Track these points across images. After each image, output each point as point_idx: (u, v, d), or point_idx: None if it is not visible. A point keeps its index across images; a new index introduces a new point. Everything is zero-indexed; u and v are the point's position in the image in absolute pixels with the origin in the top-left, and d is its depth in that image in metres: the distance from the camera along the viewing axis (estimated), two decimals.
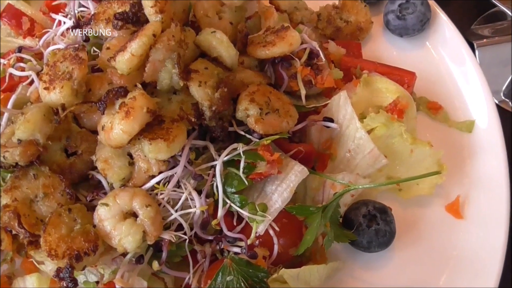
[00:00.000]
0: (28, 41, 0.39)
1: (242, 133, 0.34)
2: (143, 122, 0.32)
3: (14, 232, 0.34)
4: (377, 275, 0.36)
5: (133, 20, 0.35)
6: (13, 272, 0.36)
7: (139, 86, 0.33)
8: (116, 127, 0.31)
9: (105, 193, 0.34)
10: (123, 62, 0.32)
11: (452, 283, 0.36)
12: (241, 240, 0.33)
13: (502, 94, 0.43)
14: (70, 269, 0.31)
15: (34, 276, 0.34)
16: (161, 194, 0.32)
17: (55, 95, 0.33)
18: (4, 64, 0.38)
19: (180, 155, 0.32)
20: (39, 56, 0.40)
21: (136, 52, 0.32)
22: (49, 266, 0.34)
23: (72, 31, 0.38)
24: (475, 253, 0.36)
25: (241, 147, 0.32)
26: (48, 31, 0.39)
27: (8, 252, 0.35)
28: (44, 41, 0.39)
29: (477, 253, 0.36)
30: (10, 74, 0.36)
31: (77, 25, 0.38)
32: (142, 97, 0.31)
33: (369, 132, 0.36)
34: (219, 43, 0.34)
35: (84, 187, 0.35)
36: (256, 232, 0.32)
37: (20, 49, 0.39)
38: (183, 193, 0.32)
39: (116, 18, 0.35)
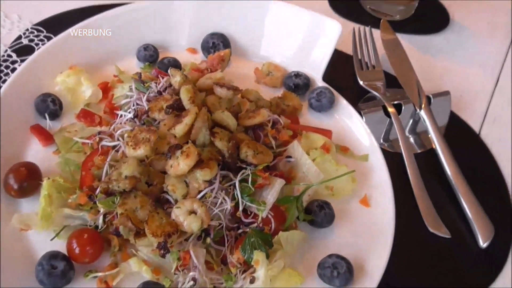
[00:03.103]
0: (102, 128, 0.64)
1: (244, 165, 0.60)
2: (195, 160, 0.57)
3: (120, 232, 0.56)
4: (326, 243, 0.61)
5: (178, 108, 0.61)
6: (117, 261, 0.57)
7: (190, 142, 0.58)
8: (181, 163, 0.57)
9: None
10: (180, 129, 0.58)
11: (369, 244, 0.62)
12: (253, 223, 0.57)
13: (381, 139, 0.73)
14: (165, 243, 0.54)
15: (133, 259, 0.56)
16: (207, 200, 0.57)
17: (141, 152, 0.58)
18: (91, 143, 0.62)
19: (215, 178, 0.58)
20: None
21: (188, 123, 0.58)
22: (144, 250, 0.56)
23: (135, 119, 0.63)
24: (378, 225, 0.63)
25: (249, 170, 0.58)
26: (114, 121, 0.64)
27: (115, 247, 0.57)
28: (113, 127, 0.64)
29: (379, 224, 0.63)
30: (102, 146, 0.60)
31: (136, 115, 0.63)
32: (193, 147, 0.57)
33: (312, 161, 0.63)
34: (227, 117, 0.61)
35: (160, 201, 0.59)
36: (261, 217, 0.57)
37: (99, 132, 0.63)
38: (219, 198, 0.57)
39: (168, 107, 0.61)
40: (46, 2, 0.81)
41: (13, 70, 0.73)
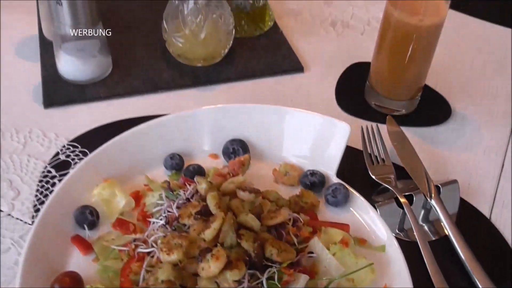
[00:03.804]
0: (137, 236, 0.69)
1: (270, 263, 0.65)
2: (224, 262, 0.62)
3: None
4: None
5: (205, 214, 0.67)
6: None
7: (219, 245, 0.63)
8: (211, 266, 0.61)
9: None
10: (209, 234, 0.63)
11: None
12: None
13: (396, 230, 0.77)
14: None
15: None
16: None
17: (174, 257, 0.63)
18: (127, 250, 0.67)
19: (244, 278, 0.62)
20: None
21: (216, 228, 0.63)
22: None
23: (166, 225, 0.68)
24: None
25: (275, 268, 0.63)
26: (147, 228, 0.70)
27: None
28: (147, 234, 0.69)
29: None
30: (138, 253, 0.65)
31: (167, 222, 0.69)
32: (222, 250, 0.62)
33: (332, 255, 0.67)
34: (251, 220, 0.66)
35: None
36: None
37: (134, 239, 0.68)
38: None
39: (196, 213, 0.66)
40: (79, 120, 0.89)
41: (53, 184, 0.80)
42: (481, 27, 1.17)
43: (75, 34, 0.90)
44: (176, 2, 0.96)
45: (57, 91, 0.94)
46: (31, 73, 0.99)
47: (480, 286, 0.69)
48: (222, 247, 0.63)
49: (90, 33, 0.91)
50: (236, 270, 0.61)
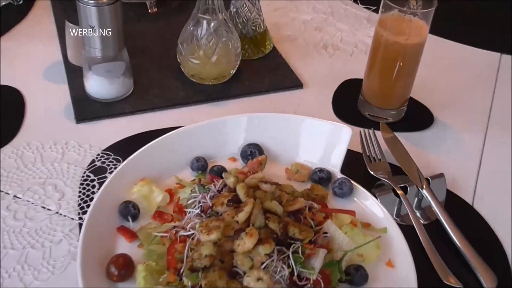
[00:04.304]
0: (175, 224, 0.80)
1: (293, 241, 0.76)
2: (257, 238, 0.73)
3: None
4: None
5: (236, 201, 0.79)
6: None
7: (251, 225, 0.75)
8: (247, 242, 0.72)
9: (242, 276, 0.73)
10: (243, 216, 0.75)
11: None
12: (306, 285, 0.72)
13: (394, 215, 0.89)
14: None
15: None
16: (269, 269, 0.72)
17: (214, 236, 0.74)
18: (169, 236, 0.78)
19: (273, 252, 0.74)
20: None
21: (248, 211, 0.75)
22: None
23: (201, 213, 0.80)
24: (403, 281, 0.78)
25: (299, 243, 0.75)
26: (184, 217, 0.81)
27: None
28: (184, 221, 0.80)
29: (403, 280, 0.77)
30: (177, 233, 0.76)
31: (202, 210, 0.80)
32: (254, 229, 0.74)
33: (344, 234, 0.79)
34: (275, 206, 0.78)
35: (232, 274, 0.74)
36: (312, 280, 0.72)
37: (174, 227, 0.80)
38: (278, 267, 0.72)
39: (229, 201, 0.78)
40: (108, 133, 1.00)
41: (93, 186, 0.91)
42: (457, 49, 1.33)
43: (104, 57, 1.02)
44: (191, 28, 1.09)
45: (86, 108, 1.06)
46: (60, 94, 1.10)
47: (468, 257, 0.82)
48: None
49: (117, 57, 1.03)
50: (267, 245, 0.73)
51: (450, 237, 0.85)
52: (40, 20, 1.33)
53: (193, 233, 0.76)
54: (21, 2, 1.37)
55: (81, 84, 1.09)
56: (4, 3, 1.35)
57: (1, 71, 1.15)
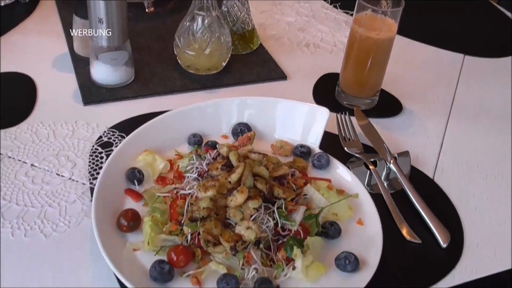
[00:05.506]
0: (176, 186, 0.92)
1: (277, 200, 0.89)
2: (247, 195, 0.85)
3: (201, 246, 0.83)
4: (337, 248, 0.89)
5: (229, 166, 0.91)
6: (200, 266, 0.83)
7: (242, 185, 0.88)
8: (238, 198, 0.84)
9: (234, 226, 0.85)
10: (235, 176, 0.86)
11: (366, 248, 0.90)
12: (288, 234, 0.85)
13: (365, 185, 1.03)
14: (235, 246, 0.81)
15: (212, 262, 0.82)
16: (257, 220, 0.85)
17: (210, 193, 0.86)
18: (170, 196, 0.90)
19: (261, 207, 0.86)
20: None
21: (240, 172, 0.87)
22: (219, 256, 0.82)
23: (198, 177, 0.92)
24: (371, 236, 0.91)
25: (282, 201, 0.87)
26: (183, 181, 0.93)
27: (198, 256, 0.83)
28: (183, 184, 0.93)
29: (371, 236, 0.91)
30: (178, 192, 0.89)
31: (199, 174, 0.93)
32: (244, 187, 0.87)
33: (322, 195, 0.92)
34: (262, 170, 0.91)
35: (225, 225, 0.86)
36: (293, 230, 0.85)
37: (175, 188, 0.92)
38: (264, 219, 0.85)
39: (223, 165, 0.91)
40: (113, 114, 1.12)
41: (101, 157, 1.03)
42: (425, 50, 1.48)
43: (110, 47, 1.14)
44: (187, 23, 1.22)
45: (93, 93, 1.18)
46: (68, 81, 1.22)
47: (427, 218, 0.95)
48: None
49: (121, 46, 1.15)
50: (256, 200, 0.86)
51: (412, 203, 0.98)
52: (46, 16, 1.45)
53: (192, 192, 0.89)
54: (27, 0, 1.49)
55: (87, 72, 1.21)
56: (8, 2, 1.47)
57: (13, 60, 1.26)
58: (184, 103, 1.16)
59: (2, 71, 1.23)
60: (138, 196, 0.93)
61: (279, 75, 1.30)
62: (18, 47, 1.32)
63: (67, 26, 1.36)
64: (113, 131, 1.09)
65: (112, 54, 1.16)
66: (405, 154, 1.07)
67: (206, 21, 1.21)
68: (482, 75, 1.40)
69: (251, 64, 1.32)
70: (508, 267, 0.91)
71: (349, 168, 1.01)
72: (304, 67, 1.35)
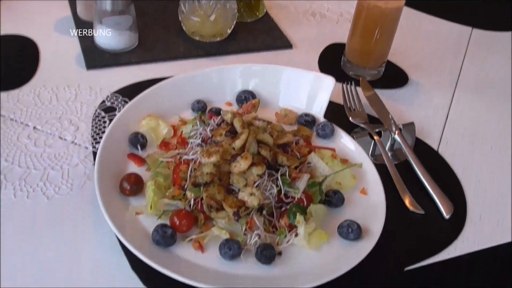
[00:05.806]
0: (179, 151, 0.92)
1: (281, 167, 0.89)
2: (251, 161, 0.85)
3: (204, 211, 0.82)
4: (340, 216, 0.88)
5: (233, 132, 0.91)
6: (203, 231, 0.83)
7: (246, 152, 0.87)
8: (242, 164, 0.84)
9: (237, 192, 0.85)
10: (239, 143, 0.86)
11: (370, 217, 0.87)
12: (292, 202, 0.85)
13: (369, 155, 1.02)
14: (237, 212, 0.81)
15: (215, 228, 0.82)
16: (261, 187, 0.84)
17: (214, 159, 0.85)
18: (173, 161, 0.90)
19: (264, 174, 0.86)
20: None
21: (244, 138, 0.87)
22: (222, 221, 0.83)
23: (202, 143, 0.92)
24: (374, 205, 0.91)
25: (286, 168, 0.87)
26: (187, 147, 0.92)
27: (201, 221, 0.83)
28: (187, 149, 0.92)
29: (375, 205, 0.91)
30: (181, 158, 0.88)
31: (203, 140, 0.92)
32: (248, 154, 0.86)
33: (326, 164, 0.92)
34: (267, 137, 0.90)
35: (229, 191, 0.86)
36: (297, 198, 0.85)
37: (178, 153, 0.91)
38: (268, 186, 0.85)
39: (227, 131, 0.90)
40: (116, 79, 1.11)
41: (104, 122, 1.02)
42: (432, 22, 1.46)
43: (114, 10, 1.13)
44: None
45: (96, 57, 1.17)
46: (71, 45, 1.21)
47: (430, 189, 0.95)
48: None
49: (125, 10, 1.14)
50: (259, 167, 0.85)
51: (416, 174, 0.98)
52: None
53: (195, 157, 0.88)
54: None
55: (90, 36, 1.20)
56: None
57: (15, 24, 1.25)
58: (188, 69, 1.15)
59: (4, 33, 1.21)
60: (141, 160, 0.93)
61: (285, 43, 1.29)
62: (20, 8, 1.30)
63: None
64: (116, 96, 1.08)
65: (116, 18, 1.14)
66: (410, 125, 1.07)
67: None
68: (490, 48, 1.38)
69: (257, 32, 1.30)
70: (510, 240, 0.91)
71: (353, 138, 1.01)
72: (309, 37, 1.33)
